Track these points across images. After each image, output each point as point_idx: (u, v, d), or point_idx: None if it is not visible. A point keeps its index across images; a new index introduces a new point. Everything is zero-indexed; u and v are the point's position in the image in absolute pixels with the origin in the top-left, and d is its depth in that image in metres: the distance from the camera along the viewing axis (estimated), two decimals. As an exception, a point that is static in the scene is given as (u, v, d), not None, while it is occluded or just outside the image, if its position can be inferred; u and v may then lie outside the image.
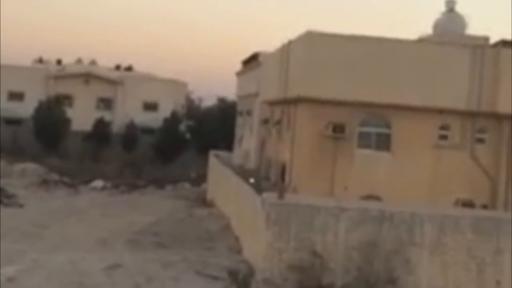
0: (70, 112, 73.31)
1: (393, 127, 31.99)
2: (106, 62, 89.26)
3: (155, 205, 44.94)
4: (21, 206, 41.65)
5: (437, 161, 31.88)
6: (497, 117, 32.01)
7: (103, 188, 52.50)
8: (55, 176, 54.91)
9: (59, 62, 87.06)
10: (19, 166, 56.81)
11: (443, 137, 32.24)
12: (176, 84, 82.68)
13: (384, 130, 32.09)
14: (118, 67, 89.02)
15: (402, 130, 31.82)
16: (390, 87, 31.29)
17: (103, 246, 30.83)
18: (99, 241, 31.81)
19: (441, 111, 31.76)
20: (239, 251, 29.65)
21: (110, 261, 27.14)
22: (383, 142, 32.03)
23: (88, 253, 28.75)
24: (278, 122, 36.91)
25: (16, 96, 76.75)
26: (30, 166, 57.17)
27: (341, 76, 31.08)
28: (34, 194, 47.44)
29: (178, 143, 69.23)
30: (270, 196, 25.34)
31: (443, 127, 32.26)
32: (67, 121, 70.79)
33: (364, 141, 31.94)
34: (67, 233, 33.43)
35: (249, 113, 47.63)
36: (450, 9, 36.51)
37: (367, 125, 32.02)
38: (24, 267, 25.96)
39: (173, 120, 71.71)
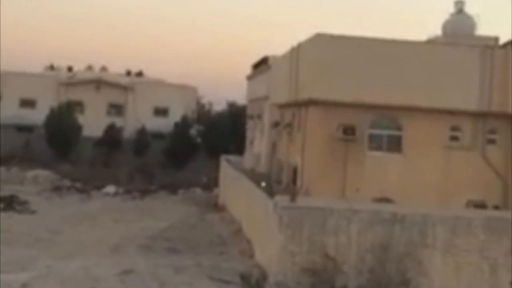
0: (81, 119, 73.55)
1: (403, 129, 31.96)
2: (116, 68, 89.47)
3: (167, 210, 45.04)
4: (33, 212, 41.84)
5: (448, 163, 31.81)
6: (508, 118, 31.90)
7: (115, 194, 52.66)
8: (67, 182, 55.14)
9: (70, 69, 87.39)
10: (31, 173, 57.07)
11: (454, 138, 32.17)
12: (186, 89, 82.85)
13: (395, 132, 32.06)
14: (128, 73, 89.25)
15: (413, 131, 31.78)
16: (400, 88, 31.28)
17: (115, 252, 30.92)
18: (111, 247, 31.91)
19: (451, 112, 31.71)
20: (251, 255, 29.67)
21: (123, 267, 27.22)
22: (394, 144, 31.99)
23: (101, 259, 28.85)
24: (289, 125, 36.94)
25: (27, 103, 77.12)
26: (42, 172, 57.41)
27: (351, 78, 31.09)
28: (46, 201, 47.64)
29: (189, 148, 69.36)
30: (282, 199, 25.38)
31: (454, 128, 32.19)
32: (78, 128, 71.04)
33: (375, 143, 31.92)
34: (80, 239, 33.54)
35: (259, 116, 47.67)
36: (459, 10, 36.46)
37: (377, 127, 32.00)
38: (37, 273, 26.06)
39: (183, 125, 71.86)
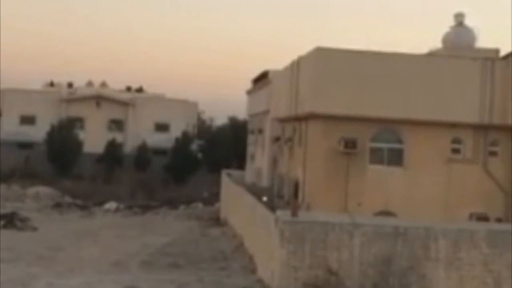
0: (82, 135, 73.65)
1: (405, 142, 31.90)
2: (116, 84, 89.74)
3: (168, 226, 44.91)
4: (34, 229, 41.69)
5: (450, 175, 31.72)
6: (509, 130, 31.83)
7: (116, 210, 52.56)
8: (68, 199, 55.09)
9: (70, 85, 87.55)
10: (32, 190, 57.00)
11: (456, 151, 32.10)
12: (187, 104, 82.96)
13: (396, 145, 32.00)
14: (129, 89, 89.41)
15: (414, 144, 31.72)
16: (401, 101, 31.24)
17: (117, 268, 30.75)
18: (113, 263, 31.74)
19: (453, 125, 31.66)
20: (253, 270, 29.51)
21: (125, 283, 27.04)
22: (395, 157, 31.92)
23: (103, 275, 28.67)
24: (290, 139, 36.89)
25: (28, 119, 77.20)
26: (43, 189, 57.36)
27: (352, 92, 31.07)
28: (47, 217, 47.52)
29: (190, 163, 69.39)
30: (284, 214, 25.26)
31: (455, 141, 32.13)
32: (79, 144, 71.09)
33: (377, 156, 31.86)
34: (82, 256, 33.38)
35: (260, 131, 47.65)
36: (459, 23, 36.48)
37: (379, 140, 31.94)
38: (39, 291, 25.92)
39: (184, 140, 71.93)
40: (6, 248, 33.60)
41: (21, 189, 56.94)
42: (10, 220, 43.07)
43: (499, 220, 31.35)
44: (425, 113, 31.27)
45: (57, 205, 52.78)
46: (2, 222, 42.18)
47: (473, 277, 24.43)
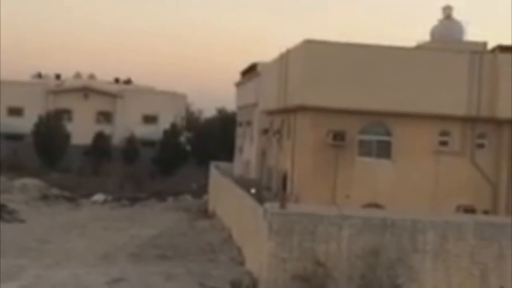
0: (69, 126, 73.38)
1: (393, 134, 31.99)
2: (104, 75, 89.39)
3: (157, 218, 44.90)
4: (22, 221, 41.58)
5: (438, 168, 31.84)
6: (497, 122, 32.02)
7: (104, 202, 52.46)
8: (55, 191, 54.89)
9: (58, 76, 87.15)
10: (19, 182, 56.75)
11: (444, 143, 32.22)
12: (175, 96, 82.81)
13: (385, 138, 32.07)
14: (117, 81, 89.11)
15: (402, 137, 31.80)
16: (390, 94, 31.30)
17: (105, 260, 30.75)
18: (101, 255, 31.74)
19: (440, 117, 31.76)
20: (241, 262, 29.58)
21: (113, 275, 27.06)
22: (384, 150, 32.00)
23: (91, 268, 28.68)
24: (278, 132, 36.91)
25: (15, 111, 76.81)
26: (31, 181, 57.11)
27: (340, 84, 31.10)
28: (35, 209, 47.39)
29: (178, 155, 69.28)
30: (272, 206, 25.29)
31: (443, 133, 32.24)
32: (67, 136, 70.84)
33: (365, 148, 31.93)
34: (69, 248, 33.36)
35: (249, 123, 47.64)
36: (447, 16, 36.58)
37: (367, 133, 32.01)
38: (27, 282, 25.88)
39: (173, 132, 71.79)
40: (-7, 240, 33.52)
41: (8, 181, 56.70)
42: (-2, 212, 42.94)
43: (486, 212, 31.53)
44: (414, 105, 31.34)
45: (45, 197, 52.60)
46: (-10, 214, 42.07)
47: (460, 268, 24.58)
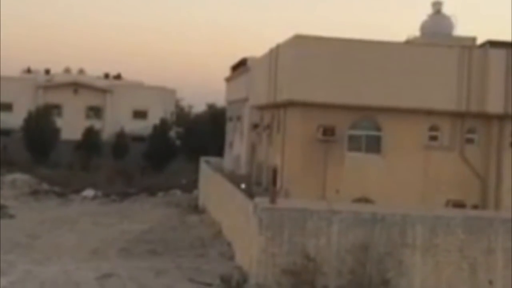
0: (59, 122, 73.13)
1: (383, 129, 32.05)
2: (94, 71, 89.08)
3: (147, 213, 44.85)
4: (12, 217, 41.45)
5: (427, 163, 31.95)
6: (486, 117, 32.14)
7: (94, 197, 52.37)
8: (45, 186, 54.75)
9: (47, 71, 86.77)
10: (9, 177, 56.58)
11: (433, 138, 32.31)
12: (165, 92, 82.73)
13: (374, 133, 32.14)
14: (106, 76, 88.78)
15: (392, 132, 31.88)
16: (379, 89, 31.36)
17: (95, 256, 30.71)
18: (91, 251, 31.69)
19: (430, 112, 31.84)
20: (231, 257, 29.61)
21: (103, 271, 27.04)
22: (374, 145, 32.07)
23: (81, 263, 28.63)
24: (268, 127, 36.92)
25: (4, 106, 76.47)
26: (20, 176, 56.95)
27: (330, 79, 31.14)
28: (24, 205, 47.25)
29: (168, 150, 69.20)
30: (262, 201, 25.32)
31: (433, 128, 32.33)
32: (56, 131, 70.62)
33: (355, 143, 31.99)
34: (59, 243, 33.29)
35: (239, 118, 47.64)
36: (437, 11, 36.66)
37: (357, 128, 32.07)
38: (16, 278, 25.79)
39: (162, 128, 71.70)
40: (-17, 236, 33.41)
41: (-3, 176, 56.53)
42: (-13, 208, 42.82)
43: (475, 206, 31.65)
44: (403, 100, 31.41)
45: (35, 193, 52.47)
46: (-21, 210, 41.95)
47: (449, 263, 24.68)
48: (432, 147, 32.18)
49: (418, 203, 30.44)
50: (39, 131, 67.93)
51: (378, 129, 32.11)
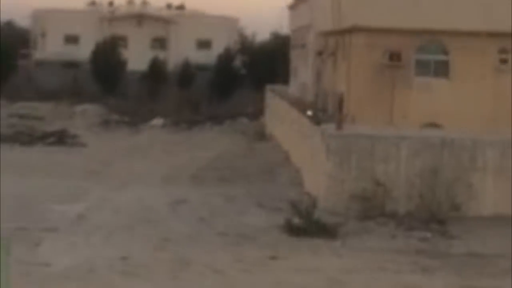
0: (125, 53, 73.92)
1: (450, 53, 31.54)
2: (157, 1, 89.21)
3: (215, 141, 45.37)
4: (84, 145, 42.50)
5: (497, 86, 31.38)
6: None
7: (163, 126, 53.15)
8: (115, 116, 55.78)
9: (110, 3, 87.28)
10: (79, 108, 57.74)
11: (504, 61, 31.62)
12: (228, 21, 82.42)
13: (442, 57, 31.67)
14: (169, 6, 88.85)
15: (460, 56, 31.33)
16: (446, 11, 30.71)
17: (167, 182, 31.42)
18: (163, 177, 32.42)
19: (499, 34, 31.10)
20: (300, 184, 29.95)
21: (175, 196, 27.70)
22: (442, 69, 31.63)
23: (154, 189, 29.39)
24: (333, 53, 36.70)
25: (71, 39, 77.57)
26: (91, 107, 58.05)
27: (396, 3, 30.69)
28: (96, 135, 48.27)
29: (233, 79, 69.44)
30: (329, 127, 25.46)
31: (502, 51, 31.61)
32: (123, 62, 71.50)
33: (422, 68, 31.60)
34: (131, 171, 34.08)
35: (303, 46, 47.38)
36: None
37: (424, 52, 31.63)
38: (92, 204, 26.58)
39: (227, 57, 71.80)
40: (57, 164, 34.53)
41: (69, 108, 57.78)
42: (60, 137, 44.02)
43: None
44: (470, 23, 30.73)
45: (105, 122, 53.52)
46: (52, 139, 43.15)
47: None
48: (502, 70, 31.56)
49: (487, 128, 30.08)
50: (107, 62, 68.92)
51: (446, 52, 31.60)
